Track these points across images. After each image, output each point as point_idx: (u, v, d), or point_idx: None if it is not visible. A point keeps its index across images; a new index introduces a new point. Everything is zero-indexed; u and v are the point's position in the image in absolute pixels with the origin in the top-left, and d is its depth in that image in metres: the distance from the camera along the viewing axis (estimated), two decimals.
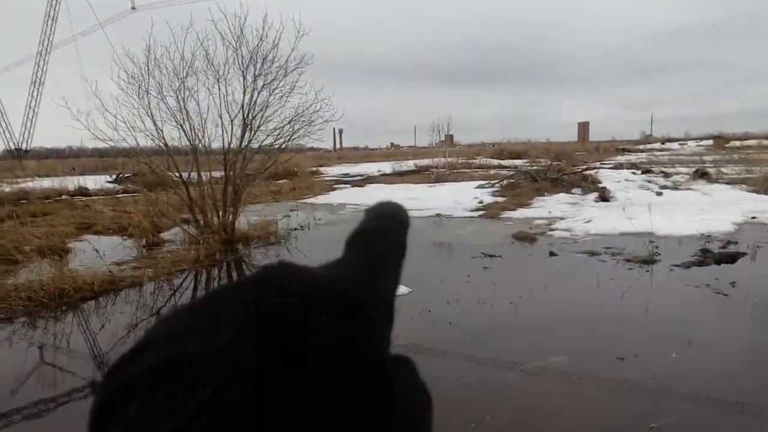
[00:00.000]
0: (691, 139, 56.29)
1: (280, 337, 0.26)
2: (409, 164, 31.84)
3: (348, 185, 22.27)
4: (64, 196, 17.90)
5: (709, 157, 26.56)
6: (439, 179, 22.00)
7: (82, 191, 19.08)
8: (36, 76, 55.42)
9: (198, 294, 6.56)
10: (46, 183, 20.03)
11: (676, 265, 6.64)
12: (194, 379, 0.23)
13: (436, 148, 33.26)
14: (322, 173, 29.76)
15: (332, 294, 0.30)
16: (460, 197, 15.02)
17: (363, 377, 0.27)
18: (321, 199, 17.01)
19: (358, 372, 0.27)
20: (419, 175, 25.47)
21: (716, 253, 7.10)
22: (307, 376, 0.25)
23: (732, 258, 6.92)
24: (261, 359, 0.25)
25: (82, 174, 24.86)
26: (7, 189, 18.20)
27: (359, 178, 26.39)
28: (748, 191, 13.72)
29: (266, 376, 0.24)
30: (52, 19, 53.92)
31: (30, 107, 56.44)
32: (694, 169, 19.01)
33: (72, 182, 19.83)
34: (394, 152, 72.41)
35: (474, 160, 34.05)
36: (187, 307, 0.29)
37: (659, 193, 14.19)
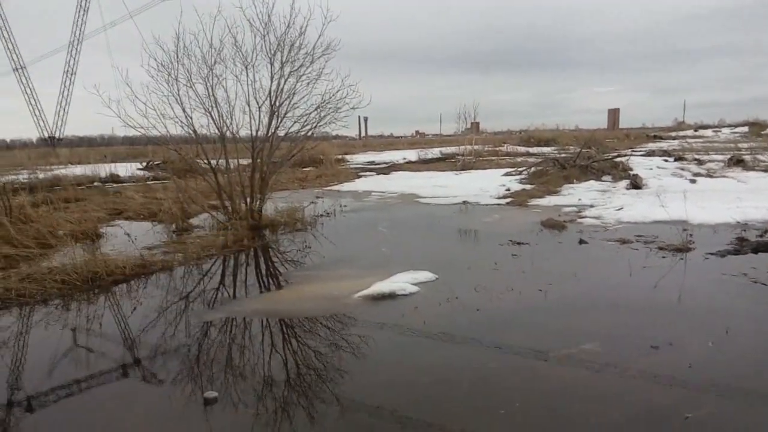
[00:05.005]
0: (725, 126, 54.48)
1: None
2: (435, 152, 31.60)
3: (373, 173, 22.25)
4: (96, 183, 18.27)
5: (744, 144, 25.72)
6: (466, 167, 21.79)
7: (114, 178, 19.44)
8: (68, 66, 56.40)
9: (226, 278, 6.63)
10: (78, 170, 20.41)
11: (712, 254, 6.45)
12: None
13: (462, 136, 32.89)
14: (348, 161, 29.75)
15: None
16: (486, 185, 14.86)
17: None
18: (346, 187, 17.04)
19: None
20: (445, 163, 25.28)
21: (753, 242, 6.87)
22: None
23: None
24: None
25: (113, 161, 25.31)
26: (42, 175, 18.60)
27: (384, 165, 26.33)
28: None
29: None
30: (84, 10, 54.69)
31: (63, 96, 57.56)
32: (729, 156, 18.41)
33: (104, 169, 20.18)
34: (419, 140, 71.92)
35: (501, 148, 33.60)
36: None
37: (693, 181, 13.81)
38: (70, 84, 56.76)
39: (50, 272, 6.06)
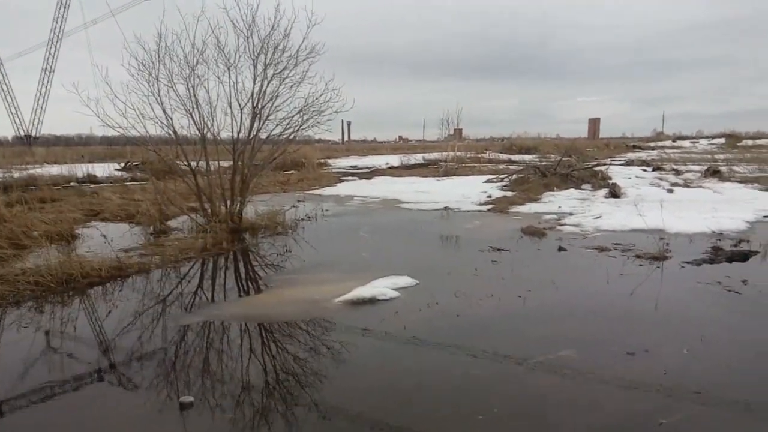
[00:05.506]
0: (703, 137, 55.63)
1: None
2: (417, 157, 31.75)
3: (356, 177, 22.25)
4: (72, 183, 17.94)
5: (721, 155, 26.29)
6: (448, 173, 21.91)
7: (91, 178, 19.09)
8: (47, 63, 55.61)
9: (205, 281, 6.55)
10: (54, 170, 20.04)
11: (687, 262, 6.56)
12: None
13: (445, 142, 33.11)
14: (330, 165, 29.71)
15: None
16: (468, 191, 14.95)
17: None
18: (328, 191, 17.00)
19: None
20: (427, 169, 25.40)
21: (728, 251, 7.01)
22: None
23: (744, 256, 6.83)
24: None
25: (90, 161, 24.92)
26: (17, 175, 18.22)
27: (367, 170, 26.35)
28: (761, 190, 13.57)
29: None
30: (64, 7, 53.99)
31: (40, 94, 56.71)
32: (705, 167, 18.80)
33: (81, 169, 19.83)
34: (402, 145, 72.24)
35: (483, 155, 33.87)
36: None
37: (670, 191, 14.05)
38: (48, 81, 55.97)
39: (23, 273, 5.92)
